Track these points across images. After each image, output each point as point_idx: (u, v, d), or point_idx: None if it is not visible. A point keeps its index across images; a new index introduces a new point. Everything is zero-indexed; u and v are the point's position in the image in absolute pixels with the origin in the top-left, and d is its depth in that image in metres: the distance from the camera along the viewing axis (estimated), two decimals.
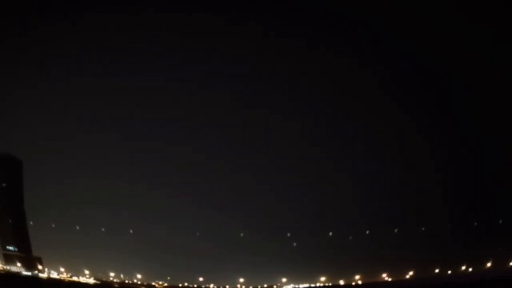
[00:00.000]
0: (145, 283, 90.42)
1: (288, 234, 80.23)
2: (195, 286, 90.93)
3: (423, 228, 77.76)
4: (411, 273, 78.22)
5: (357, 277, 78.81)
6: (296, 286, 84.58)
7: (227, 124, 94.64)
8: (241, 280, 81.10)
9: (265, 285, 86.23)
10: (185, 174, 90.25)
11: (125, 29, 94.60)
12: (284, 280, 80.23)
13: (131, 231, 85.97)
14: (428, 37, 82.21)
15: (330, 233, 79.05)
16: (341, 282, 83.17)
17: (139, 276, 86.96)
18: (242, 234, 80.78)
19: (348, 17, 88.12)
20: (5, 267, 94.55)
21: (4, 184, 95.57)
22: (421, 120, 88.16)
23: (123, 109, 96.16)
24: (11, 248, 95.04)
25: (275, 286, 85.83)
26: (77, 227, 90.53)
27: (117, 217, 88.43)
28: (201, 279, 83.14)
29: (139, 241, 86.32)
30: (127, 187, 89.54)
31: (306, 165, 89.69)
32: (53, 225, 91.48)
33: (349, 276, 78.91)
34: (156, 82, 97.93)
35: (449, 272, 79.22)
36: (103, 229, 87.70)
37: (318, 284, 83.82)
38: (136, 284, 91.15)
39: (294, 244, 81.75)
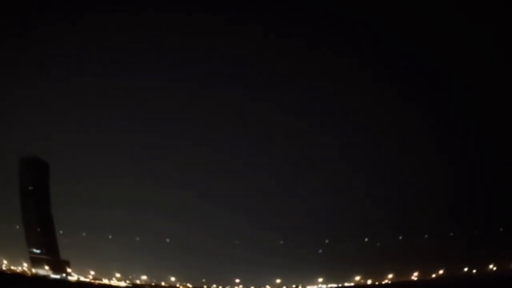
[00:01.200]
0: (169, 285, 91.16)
1: (327, 241, 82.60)
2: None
3: (452, 233, 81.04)
4: (441, 271, 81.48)
5: (390, 276, 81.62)
6: (316, 286, 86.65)
7: (253, 127, 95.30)
8: (278, 281, 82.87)
9: (293, 286, 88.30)
10: (219, 180, 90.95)
11: (125, 29, 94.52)
12: (320, 280, 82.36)
13: (167, 240, 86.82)
14: (428, 37, 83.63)
15: (366, 239, 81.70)
16: (369, 282, 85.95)
17: (172, 279, 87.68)
18: (281, 242, 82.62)
19: (348, 17, 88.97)
20: (32, 270, 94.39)
21: (31, 187, 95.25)
22: (439, 125, 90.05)
23: (156, 111, 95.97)
24: (38, 251, 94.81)
25: (300, 286, 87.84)
26: (109, 231, 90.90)
27: (151, 221, 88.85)
28: (237, 280, 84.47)
29: (173, 245, 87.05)
30: (161, 190, 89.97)
31: (334, 171, 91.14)
32: (84, 234, 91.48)
33: (382, 275, 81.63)
34: (172, 83, 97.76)
35: (474, 271, 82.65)
36: (137, 238, 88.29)
37: (346, 284, 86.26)
38: (162, 286, 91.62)
39: (320, 250, 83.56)
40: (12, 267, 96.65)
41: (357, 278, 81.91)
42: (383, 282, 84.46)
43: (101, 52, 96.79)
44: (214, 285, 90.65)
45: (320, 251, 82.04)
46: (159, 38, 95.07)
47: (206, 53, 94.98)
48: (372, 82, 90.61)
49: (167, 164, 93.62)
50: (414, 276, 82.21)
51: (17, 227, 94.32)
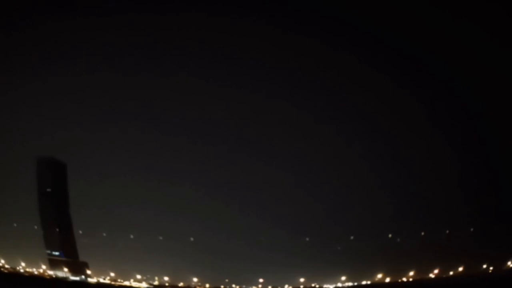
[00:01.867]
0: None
1: (351, 237, 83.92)
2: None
3: (472, 229, 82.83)
4: (460, 269, 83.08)
5: (411, 273, 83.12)
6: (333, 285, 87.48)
7: (271, 127, 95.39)
8: (302, 280, 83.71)
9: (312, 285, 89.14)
10: (240, 180, 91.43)
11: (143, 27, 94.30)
12: (343, 278, 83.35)
13: (191, 240, 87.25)
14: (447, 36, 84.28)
15: (390, 235, 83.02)
16: (387, 280, 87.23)
17: (195, 279, 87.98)
18: (307, 239, 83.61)
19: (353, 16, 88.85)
20: (50, 272, 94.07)
21: (49, 190, 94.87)
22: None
23: (179, 110, 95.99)
24: (56, 253, 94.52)
25: (317, 285, 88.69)
26: (129, 232, 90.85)
27: (171, 221, 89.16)
28: (261, 280, 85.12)
29: (196, 246, 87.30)
30: (182, 190, 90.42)
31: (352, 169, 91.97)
32: (103, 234, 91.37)
33: (403, 273, 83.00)
34: (192, 81, 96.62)
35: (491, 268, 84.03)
36: (160, 237, 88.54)
37: (365, 282, 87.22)
38: (183, 286, 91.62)
39: (343, 248, 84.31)
40: (30, 269, 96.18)
41: (380, 275, 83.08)
42: (401, 280, 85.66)
43: (114, 49, 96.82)
44: (233, 285, 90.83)
45: (343, 249, 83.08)
46: (178, 37, 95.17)
47: (219, 52, 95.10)
48: (388, 82, 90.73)
49: (188, 164, 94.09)
50: (433, 273, 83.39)
51: (35, 229, 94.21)
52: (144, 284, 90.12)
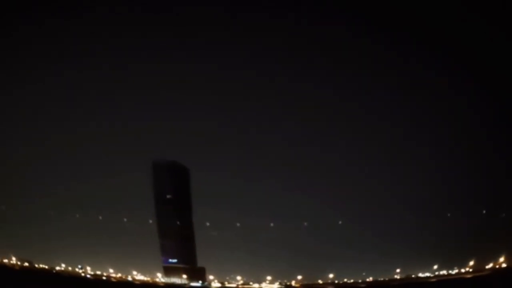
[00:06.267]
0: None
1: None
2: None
3: None
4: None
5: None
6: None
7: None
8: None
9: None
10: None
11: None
12: (471, 263, 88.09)
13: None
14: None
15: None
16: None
17: (331, 275, 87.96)
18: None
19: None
20: (166, 279, 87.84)
21: (169, 196, 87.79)
22: None
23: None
24: (173, 260, 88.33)
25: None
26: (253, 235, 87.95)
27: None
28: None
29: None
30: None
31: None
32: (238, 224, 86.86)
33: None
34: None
35: None
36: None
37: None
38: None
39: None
40: (142, 277, 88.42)
41: (501, 259, 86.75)
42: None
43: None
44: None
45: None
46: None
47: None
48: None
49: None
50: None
51: (149, 236, 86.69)
52: (276, 285, 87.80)
